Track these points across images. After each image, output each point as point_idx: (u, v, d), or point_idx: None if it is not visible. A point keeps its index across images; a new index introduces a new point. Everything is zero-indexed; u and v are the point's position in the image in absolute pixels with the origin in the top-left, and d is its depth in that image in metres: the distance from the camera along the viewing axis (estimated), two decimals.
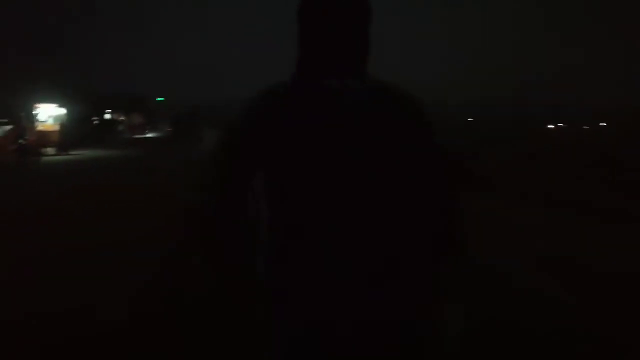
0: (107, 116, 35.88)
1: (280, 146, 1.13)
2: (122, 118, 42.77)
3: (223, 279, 1.22)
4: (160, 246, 5.12)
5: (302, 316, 1.13)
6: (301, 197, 1.14)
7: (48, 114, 21.99)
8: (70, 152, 21.49)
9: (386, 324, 1.15)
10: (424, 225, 1.21)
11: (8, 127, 19.18)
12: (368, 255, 1.14)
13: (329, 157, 1.13)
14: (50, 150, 21.24)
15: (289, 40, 1.30)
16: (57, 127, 21.88)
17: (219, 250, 1.20)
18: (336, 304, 1.13)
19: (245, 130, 1.16)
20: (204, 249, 1.21)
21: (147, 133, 45.23)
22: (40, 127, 21.51)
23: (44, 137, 21.26)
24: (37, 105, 21.93)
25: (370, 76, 1.21)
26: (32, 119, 21.49)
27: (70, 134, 23.10)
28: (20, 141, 17.96)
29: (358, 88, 1.18)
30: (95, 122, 32.94)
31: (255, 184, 1.16)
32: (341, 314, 1.13)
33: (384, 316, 1.15)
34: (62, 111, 22.92)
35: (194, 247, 1.24)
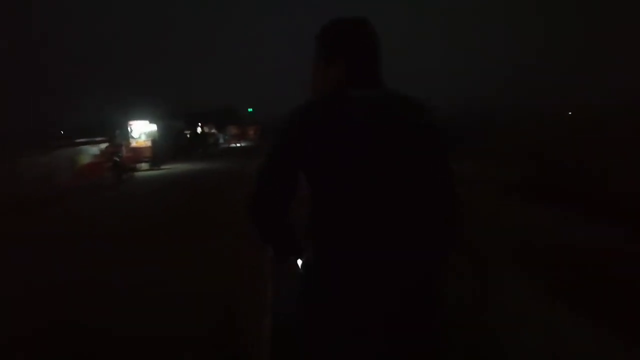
0: (199, 129, 36.74)
1: (316, 146, 1.44)
2: (213, 130, 43.92)
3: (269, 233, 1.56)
4: None
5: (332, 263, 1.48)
6: (333, 187, 1.46)
7: (140, 130, 22.67)
8: (163, 167, 21.97)
9: (403, 281, 1.45)
10: (435, 212, 1.50)
11: (104, 145, 19.80)
12: (389, 235, 1.45)
13: (355, 155, 1.43)
14: (144, 165, 21.84)
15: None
16: (149, 143, 22.48)
17: (265, 220, 1.54)
18: (362, 274, 1.44)
19: (290, 134, 1.49)
20: (255, 219, 1.54)
21: (241, 142, 46.87)
22: (133, 144, 22.19)
23: (138, 153, 21.90)
24: (131, 122, 22.68)
25: (386, 85, 1.55)
26: (126, 135, 22.23)
27: (162, 148, 23.69)
28: (115, 158, 18.39)
29: (379, 96, 1.50)
30: (187, 136, 33.80)
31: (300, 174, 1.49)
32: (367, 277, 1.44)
33: (400, 275, 1.45)
34: (154, 127, 23.56)
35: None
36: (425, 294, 1.49)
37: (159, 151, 23.23)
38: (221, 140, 45.51)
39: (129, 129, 22.61)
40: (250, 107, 69.46)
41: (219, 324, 3.84)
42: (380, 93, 1.50)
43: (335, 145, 1.43)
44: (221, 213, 8.91)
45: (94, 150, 19.77)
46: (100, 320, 4.11)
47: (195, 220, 8.77)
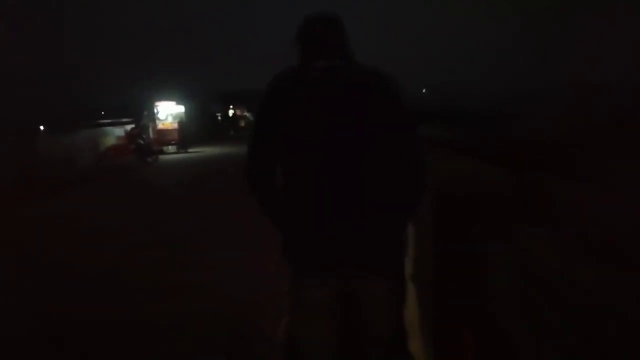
0: (230, 112, 35.78)
1: (287, 113, 1.67)
2: (245, 113, 42.97)
3: (258, 189, 1.78)
4: None
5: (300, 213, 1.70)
6: (299, 147, 1.67)
7: (167, 111, 21.71)
8: (190, 150, 21.06)
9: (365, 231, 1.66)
10: (393, 169, 1.68)
11: (129, 127, 18.97)
12: (347, 189, 1.64)
13: (317, 120, 1.64)
14: (171, 148, 20.95)
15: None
16: (176, 125, 21.51)
17: (255, 179, 1.77)
18: (323, 217, 1.66)
19: (266, 105, 1.72)
20: (248, 178, 1.77)
21: None
22: (160, 126, 21.30)
23: (164, 136, 21.02)
24: (157, 103, 21.74)
25: (356, 61, 1.75)
26: (153, 117, 21.37)
27: (190, 131, 22.77)
28: (139, 141, 17.52)
29: (340, 66, 1.69)
30: (219, 118, 32.89)
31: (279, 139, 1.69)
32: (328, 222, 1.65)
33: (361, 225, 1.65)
34: (181, 109, 22.58)
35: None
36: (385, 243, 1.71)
37: (187, 133, 22.30)
38: (242, 124, 44.35)
39: (155, 110, 21.66)
40: None
41: None
42: (342, 62, 1.71)
43: (300, 107, 1.67)
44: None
45: (118, 131, 19.01)
46: None
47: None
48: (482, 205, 1.78)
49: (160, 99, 22.00)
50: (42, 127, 18.94)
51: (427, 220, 2.39)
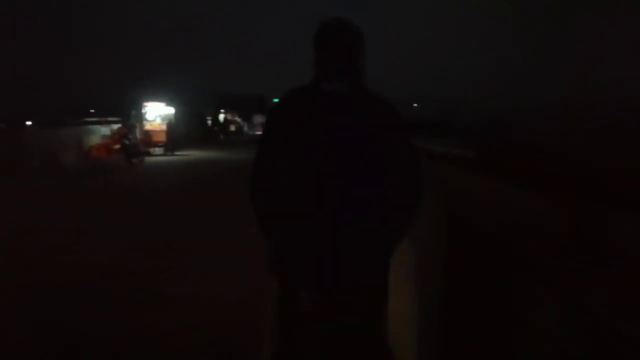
0: (221, 116, 35.30)
1: (289, 132, 1.76)
2: (236, 118, 42.50)
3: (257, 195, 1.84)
4: None
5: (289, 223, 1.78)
6: (297, 164, 1.75)
7: (156, 112, 21.18)
8: (177, 153, 20.56)
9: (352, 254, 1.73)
10: (383, 181, 1.75)
11: (116, 127, 18.47)
12: (342, 211, 1.70)
13: (317, 142, 1.73)
14: (158, 150, 20.41)
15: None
16: (164, 127, 20.97)
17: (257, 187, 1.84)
18: (312, 235, 1.74)
19: (272, 122, 1.86)
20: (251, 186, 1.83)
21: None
22: (147, 127, 20.77)
23: (152, 137, 20.48)
24: (146, 103, 21.21)
25: (364, 85, 1.82)
26: (141, 117, 20.85)
27: (178, 133, 22.27)
28: (124, 141, 17.02)
29: (345, 91, 1.77)
30: (209, 122, 32.40)
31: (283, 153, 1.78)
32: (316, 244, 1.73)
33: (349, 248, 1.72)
34: (171, 110, 22.07)
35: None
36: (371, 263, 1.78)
37: (175, 136, 21.79)
38: (245, 129, 44.07)
39: (143, 110, 21.12)
40: (276, 98, 67.93)
41: None
42: (350, 86, 1.79)
43: (304, 133, 1.75)
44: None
45: (104, 130, 18.49)
46: None
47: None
48: (519, 242, 1.39)
49: (149, 100, 21.46)
50: (29, 123, 18.54)
51: (433, 246, 2.05)
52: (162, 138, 20.76)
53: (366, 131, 1.72)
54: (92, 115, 30.77)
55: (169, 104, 22.17)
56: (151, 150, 19.99)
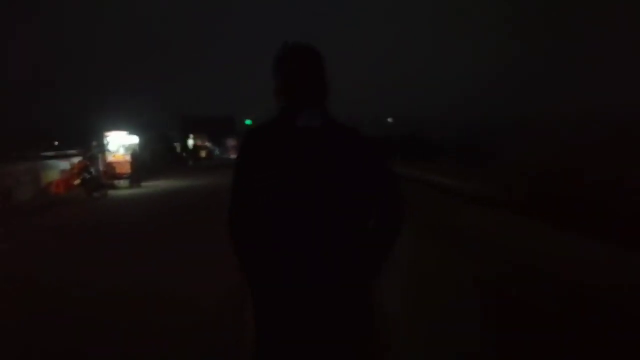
0: (190, 142, 34.29)
1: (265, 171, 1.72)
2: (206, 143, 41.46)
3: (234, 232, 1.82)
4: None
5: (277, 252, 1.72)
6: (276, 199, 1.71)
7: (118, 142, 20.08)
8: (143, 184, 19.51)
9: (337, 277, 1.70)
10: (365, 214, 1.76)
11: (76, 160, 17.41)
12: (321, 233, 1.69)
13: (293, 175, 1.70)
14: (122, 182, 19.29)
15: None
16: (128, 158, 19.86)
17: (235, 225, 1.80)
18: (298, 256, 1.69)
19: (243, 156, 1.79)
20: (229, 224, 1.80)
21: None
22: (110, 158, 19.68)
23: (115, 169, 19.39)
24: (107, 133, 20.12)
25: (329, 114, 1.80)
26: (102, 148, 19.78)
27: (144, 163, 21.22)
28: (85, 175, 15.99)
29: (317, 126, 1.75)
30: (177, 148, 31.37)
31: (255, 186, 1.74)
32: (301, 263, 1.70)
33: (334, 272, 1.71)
34: (134, 139, 21.01)
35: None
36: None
37: (140, 166, 20.73)
38: (216, 152, 43.04)
39: (104, 140, 20.00)
40: (248, 119, 66.83)
41: None
42: (322, 120, 1.78)
43: (279, 168, 1.72)
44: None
45: (63, 165, 17.40)
46: None
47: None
48: None
49: (110, 129, 20.37)
50: None
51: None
52: (127, 169, 19.63)
53: (343, 164, 1.74)
54: (56, 148, 29.50)
55: (132, 132, 21.09)
56: (115, 182, 18.91)
